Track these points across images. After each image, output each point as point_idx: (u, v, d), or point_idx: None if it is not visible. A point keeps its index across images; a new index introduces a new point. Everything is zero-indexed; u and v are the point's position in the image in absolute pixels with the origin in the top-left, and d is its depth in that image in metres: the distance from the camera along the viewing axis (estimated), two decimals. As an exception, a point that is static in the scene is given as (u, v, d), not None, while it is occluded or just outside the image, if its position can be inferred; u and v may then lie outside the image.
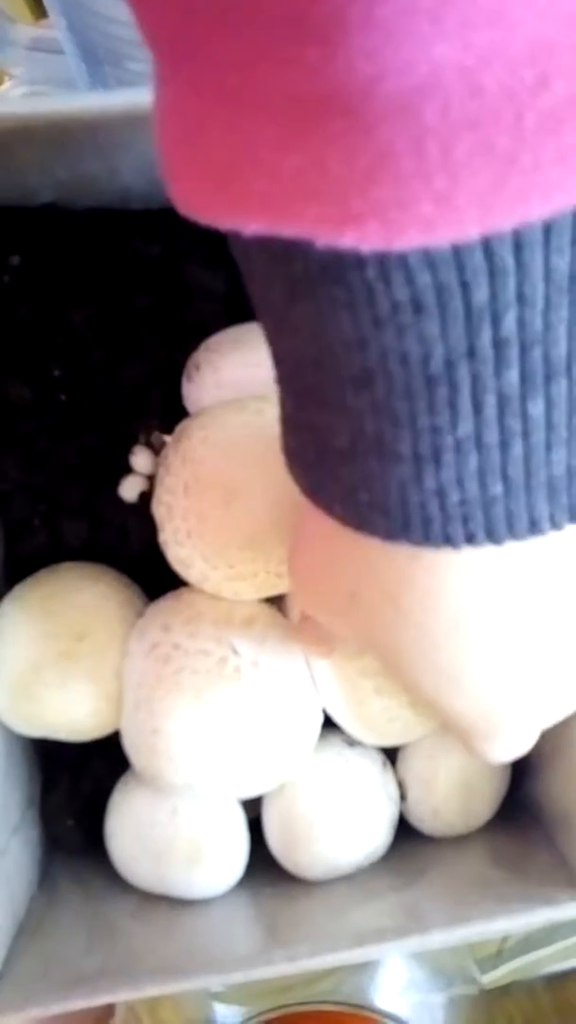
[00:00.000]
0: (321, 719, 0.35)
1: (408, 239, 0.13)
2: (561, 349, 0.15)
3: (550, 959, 0.55)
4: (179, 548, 0.33)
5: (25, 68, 0.57)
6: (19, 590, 0.36)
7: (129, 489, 0.40)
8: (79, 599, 0.35)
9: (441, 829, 0.37)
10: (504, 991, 0.54)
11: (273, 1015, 0.41)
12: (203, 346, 0.38)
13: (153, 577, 0.38)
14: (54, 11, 0.43)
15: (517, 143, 0.12)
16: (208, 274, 0.40)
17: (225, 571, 0.32)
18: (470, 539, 0.17)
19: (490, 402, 0.16)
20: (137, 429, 0.40)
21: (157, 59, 0.15)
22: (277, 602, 0.35)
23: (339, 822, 0.35)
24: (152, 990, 0.32)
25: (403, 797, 0.37)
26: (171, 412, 0.39)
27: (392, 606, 0.20)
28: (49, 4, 0.43)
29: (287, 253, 0.15)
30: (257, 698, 0.32)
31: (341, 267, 0.15)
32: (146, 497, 0.39)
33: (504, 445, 0.16)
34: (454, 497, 0.17)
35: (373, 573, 0.20)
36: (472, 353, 0.15)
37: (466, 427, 0.16)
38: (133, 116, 0.28)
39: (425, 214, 0.13)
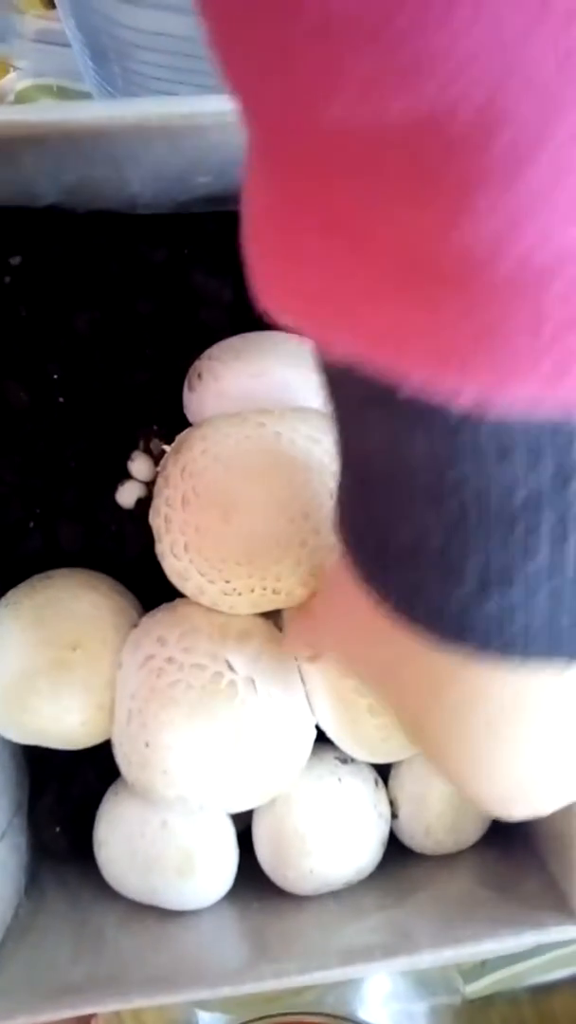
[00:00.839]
0: (314, 736, 0.34)
1: (506, 409, 0.13)
2: None
3: (534, 971, 0.55)
4: (176, 561, 0.33)
5: (31, 60, 0.56)
6: (13, 596, 0.36)
7: (126, 495, 0.40)
8: (74, 607, 0.35)
9: (432, 847, 0.37)
10: (487, 1001, 0.54)
11: (257, 1024, 0.42)
12: (205, 354, 0.38)
13: (148, 583, 0.38)
14: (63, 8, 0.43)
15: None
16: (214, 281, 0.39)
17: (222, 585, 0.32)
18: (528, 659, 0.17)
19: (571, 542, 0.15)
20: (137, 435, 0.40)
21: (258, 149, 0.14)
22: (273, 617, 0.35)
23: (330, 838, 0.35)
24: (140, 1001, 0.32)
25: (394, 815, 0.37)
26: (171, 419, 0.39)
27: (433, 695, 0.20)
28: (58, 1, 0.42)
29: (371, 374, 0.15)
30: (251, 714, 0.32)
31: (428, 401, 0.14)
32: (143, 503, 0.39)
33: None
34: (518, 623, 0.17)
35: (418, 661, 0.20)
36: (556, 498, 0.15)
37: (540, 562, 0.16)
38: (143, 128, 0.28)
39: (529, 390, 0.13)
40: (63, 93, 0.57)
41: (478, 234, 0.11)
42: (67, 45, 0.52)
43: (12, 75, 0.57)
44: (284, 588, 0.32)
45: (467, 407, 0.14)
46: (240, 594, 0.32)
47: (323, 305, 0.14)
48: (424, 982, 0.50)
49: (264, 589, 0.32)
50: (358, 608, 0.21)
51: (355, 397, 0.16)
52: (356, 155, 0.12)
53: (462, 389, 0.13)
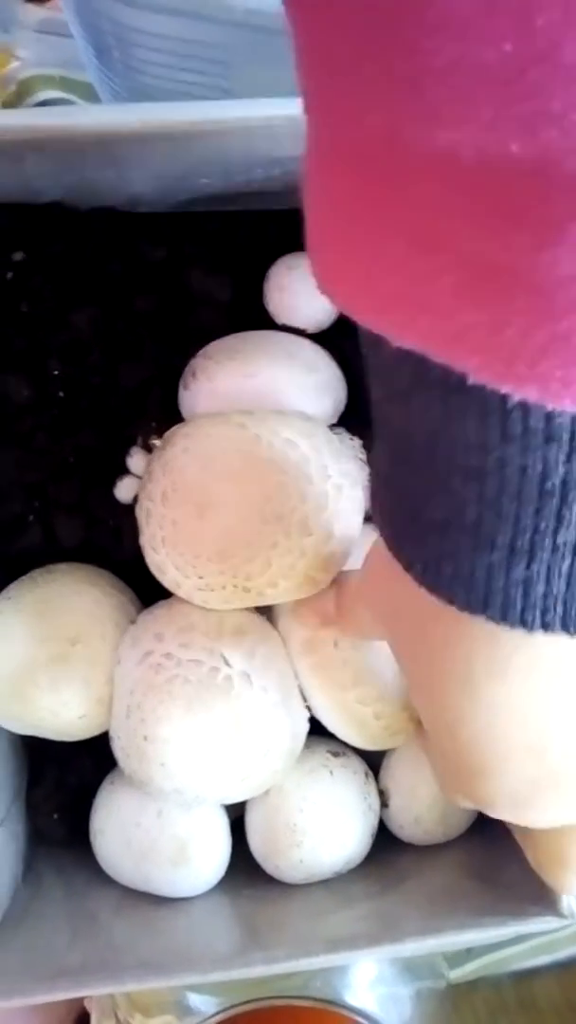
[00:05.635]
0: (307, 729, 0.35)
1: (564, 406, 0.14)
2: None
3: (517, 957, 0.56)
4: (154, 554, 0.34)
5: (33, 50, 0.56)
6: (15, 590, 0.37)
7: (124, 490, 0.40)
8: (75, 603, 0.36)
9: (420, 837, 0.38)
10: (471, 986, 0.55)
11: (245, 1008, 0.43)
12: (201, 353, 0.38)
13: (145, 578, 0.38)
14: (66, 4, 0.43)
15: None
16: (212, 281, 0.40)
17: (195, 580, 0.33)
18: (546, 628, 0.18)
19: None
20: (134, 431, 0.40)
21: (345, 158, 0.15)
22: (267, 613, 0.35)
23: (321, 830, 0.35)
24: (133, 985, 0.33)
25: (385, 804, 0.38)
26: (169, 416, 0.39)
27: (440, 655, 0.21)
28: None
29: (429, 360, 0.16)
30: (246, 708, 0.33)
31: (483, 388, 0.15)
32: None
33: None
34: (539, 589, 0.18)
35: (431, 616, 0.21)
36: None
37: (569, 535, 0.17)
38: (146, 134, 0.28)
39: None
40: (65, 83, 0.57)
41: (565, 259, 0.12)
42: (69, 36, 0.52)
43: (15, 64, 0.57)
44: (255, 587, 0.32)
45: (524, 401, 0.15)
46: (212, 590, 0.33)
47: (396, 304, 0.15)
48: (410, 967, 0.51)
49: (235, 587, 0.32)
50: (382, 560, 0.22)
51: (405, 380, 0.17)
52: (458, 177, 0.13)
53: (525, 390, 0.14)
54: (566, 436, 0.16)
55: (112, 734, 0.35)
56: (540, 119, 0.11)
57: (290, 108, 0.29)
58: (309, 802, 0.35)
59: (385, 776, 0.38)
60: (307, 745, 0.35)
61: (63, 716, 0.35)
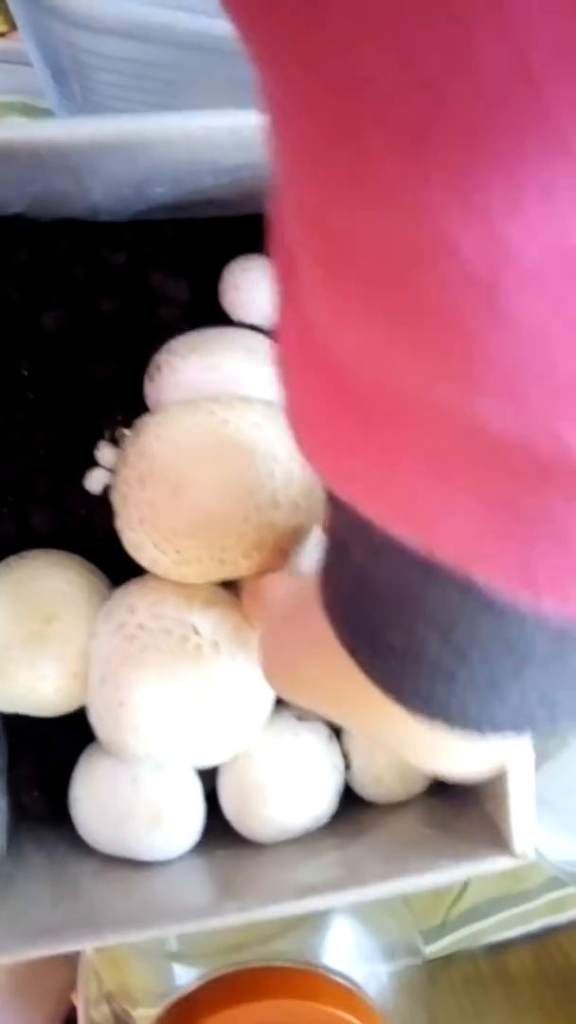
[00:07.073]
0: (274, 696, 0.37)
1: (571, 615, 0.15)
2: None
3: (491, 930, 0.58)
4: (132, 534, 0.36)
5: (-5, 79, 0.59)
6: (-9, 575, 0.39)
7: (94, 482, 0.43)
8: (48, 585, 0.38)
9: (383, 795, 0.40)
10: (447, 960, 0.57)
11: (227, 971, 0.44)
12: (164, 349, 0.41)
13: (115, 563, 0.41)
14: (23, 31, 0.46)
15: None
16: (171, 282, 0.43)
17: (173, 556, 0.35)
18: (487, 733, 0.19)
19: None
20: (102, 425, 0.43)
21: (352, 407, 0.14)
22: (234, 588, 0.38)
23: (289, 790, 0.38)
24: (114, 939, 0.35)
25: (348, 766, 0.40)
26: (134, 410, 0.42)
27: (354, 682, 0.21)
28: (16, 16, 0.45)
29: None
30: (215, 675, 0.35)
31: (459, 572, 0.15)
32: (110, 489, 0.42)
33: None
34: (490, 715, 0.18)
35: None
36: (550, 650, 0.17)
37: (525, 678, 0.18)
38: (100, 143, 0.31)
39: None
40: (27, 110, 0.60)
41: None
42: (30, 64, 0.55)
43: (-22, 93, 0.59)
44: (229, 559, 0.35)
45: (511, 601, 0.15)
46: (189, 564, 0.35)
47: (398, 513, 0.15)
48: (387, 943, 0.53)
49: (211, 559, 0.35)
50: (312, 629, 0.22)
51: (379, 539, 0.16)
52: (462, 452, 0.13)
53: (536, 603, 0.14)
54: (536, 618, 0.16)
55: (89, 704, 0.37)
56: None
57: (230, 119, 0.32)
58: (277, 763, 0.38)
59: (346, 739, 0.40)
60: (274, 710, 0.38)
61: (40, 690, 0.37)
